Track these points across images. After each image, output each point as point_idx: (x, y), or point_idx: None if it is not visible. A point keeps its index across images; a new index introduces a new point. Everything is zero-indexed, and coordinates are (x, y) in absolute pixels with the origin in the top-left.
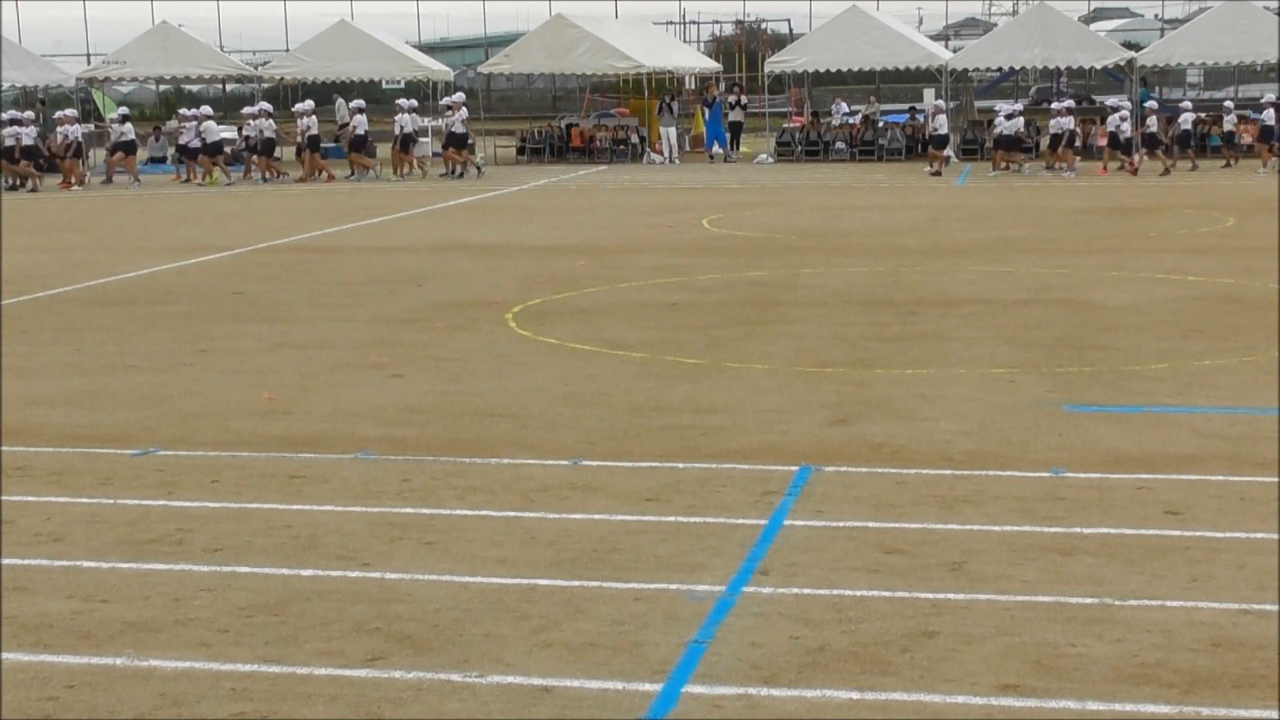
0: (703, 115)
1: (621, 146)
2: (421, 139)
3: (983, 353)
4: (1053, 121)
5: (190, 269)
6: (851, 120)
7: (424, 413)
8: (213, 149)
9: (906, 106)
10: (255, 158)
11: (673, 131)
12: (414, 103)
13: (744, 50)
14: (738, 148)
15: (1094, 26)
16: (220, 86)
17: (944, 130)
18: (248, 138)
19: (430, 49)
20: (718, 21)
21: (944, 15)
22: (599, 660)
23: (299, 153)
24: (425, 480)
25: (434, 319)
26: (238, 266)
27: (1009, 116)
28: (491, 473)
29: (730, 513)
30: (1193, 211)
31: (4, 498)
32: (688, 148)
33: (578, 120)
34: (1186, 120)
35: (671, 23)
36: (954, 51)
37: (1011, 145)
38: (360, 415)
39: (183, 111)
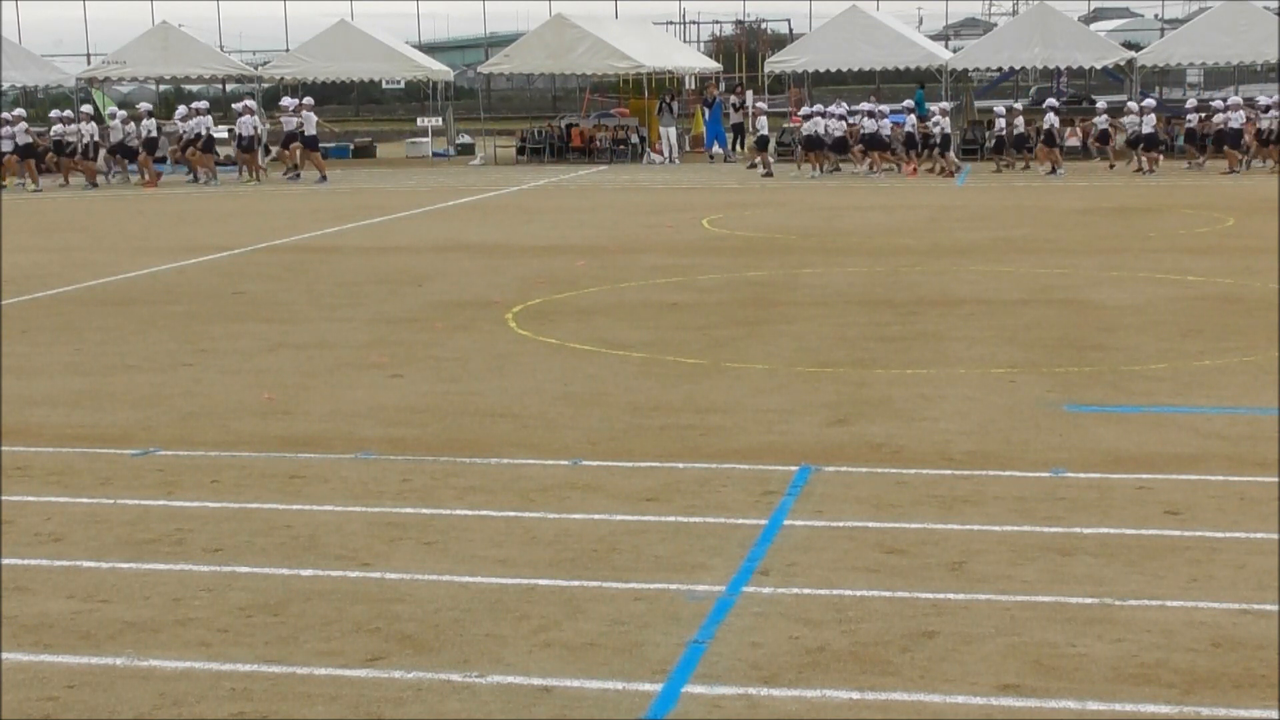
0: (703, 115)
1: (621, 146)
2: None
3: (983, 353)
4: (865, 122)
5: (190, 269)
6: (853, 120)
7: (424, 413)
8: (24, 151)
9: (906, 106)
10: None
11: (673, 131)
12: (253, 104)
13: (744, 50)
14: (742, 148)
15: (1094, 26)
16: (220, 86)
17: (764, 131)
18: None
19: (430, 49)
20: (718, 21)
21: (944, 15)
22: (599, 660)
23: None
24: (425, 480)
25: (434, 319)
26: (238, 266)
27: (826, 117)
28: (491, 473)
29: (730, 513)
30: (1193, 211)
31: (4, 498)
32: (688, 148)
33: (578, 120)
34: (1001, 124)
35: (671, 23)
36: (954, 51)
37: (813, 146)
38: (360, 415)
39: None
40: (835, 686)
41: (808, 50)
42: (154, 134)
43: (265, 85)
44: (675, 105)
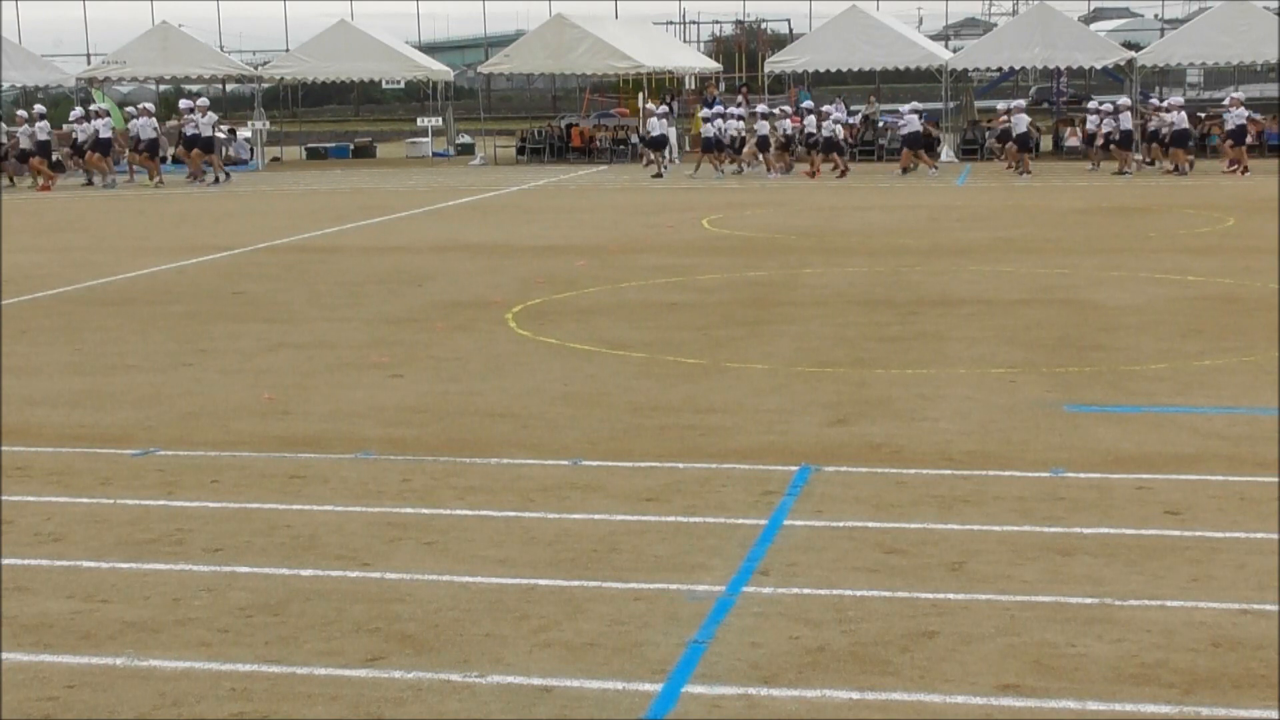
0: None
1: (621, 146)
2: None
3: (983, 353)
4: (758, 124)
5: (190, 269)
6: (851, 120)
7: (424, 413)
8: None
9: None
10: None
11: (673, 131)
12: (150, 106)
13: (744, 50)
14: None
15: (1094, 26)
16: (220, 86)
17: (658, 132)
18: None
19: (430, 49)
20: (718, 21)
21: (944, 15)
22: (599, 660)
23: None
24: (425, 480)
25: (434, 319)
26: (238, 266)
27: (726, 118)
28: (491, 473)
29: (730, 513)
30: (1193, 211)
31: (4, 498)
32: (688, 147)
33: (578, 120)
34: (910, 124)
35: (671, 23)
36: (954, 51)
37: (711, 147)
38: (360, 415)
39: None
40: (835, 686)
41: (808, 50)
42: (47, 136)
43: (265, 85)
44: (675, 105)
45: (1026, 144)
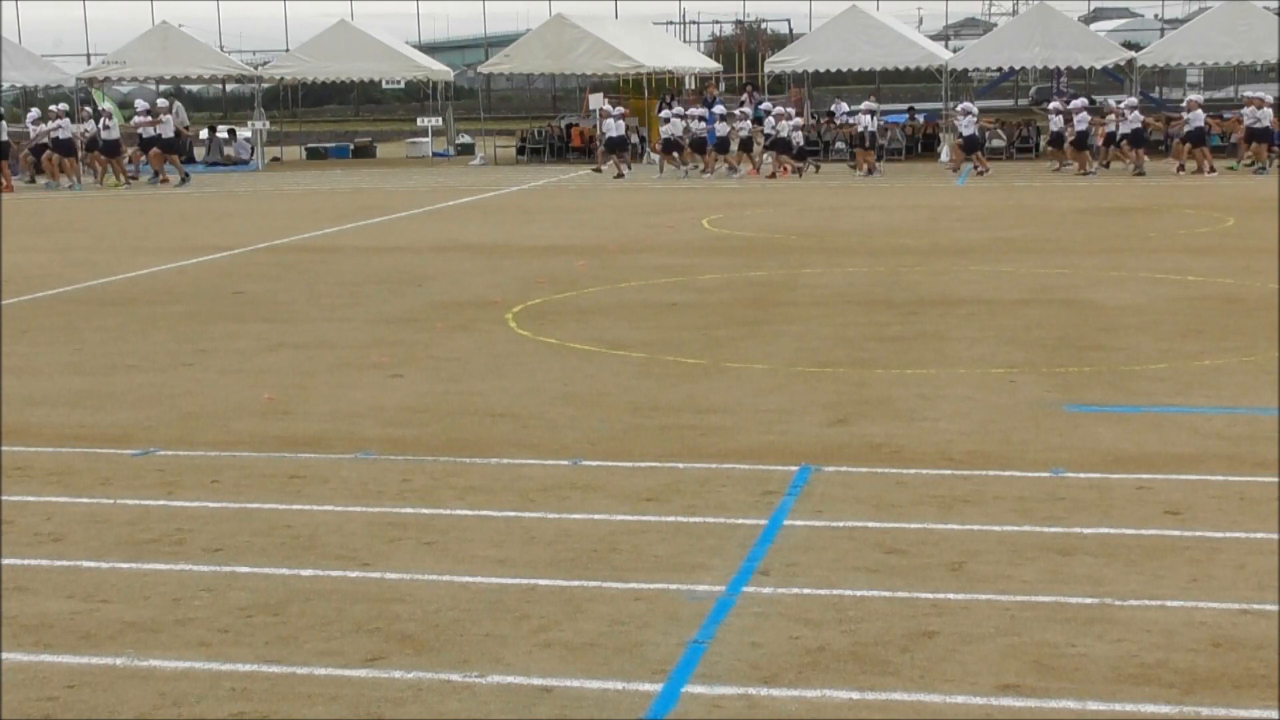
0: None
1: None
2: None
3: (983, 353)
4: (718, 125)
5: (190, 269)
6: (851, 120)
7: (424, 413)
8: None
9: (906, 107)
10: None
11: None
12: (109, 106)
13: (744, 50)
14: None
15: (1094, 26)
16: (220, 86)
17: (615, 133)
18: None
19: (430, 49)
20: (718, 21)
21: (944, 15)
22: (599, 660)
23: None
24: (425, 480)
25: (434, 319)
26: (238, 266)
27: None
28: (491, 473)
29: (730, 513)
30: (1193, 211)
31: (4, 498)
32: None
33: (578, 120)
34: (867, 122)
35: (671, 23)
36: (954, 51)
37: (671, 148)
38: (360, 415)
39: None
40: (835, 686)
41: (808, 50)
42: (5, 138)
43: (265, 85)
44: (675, 105)
45: (974, 145)
